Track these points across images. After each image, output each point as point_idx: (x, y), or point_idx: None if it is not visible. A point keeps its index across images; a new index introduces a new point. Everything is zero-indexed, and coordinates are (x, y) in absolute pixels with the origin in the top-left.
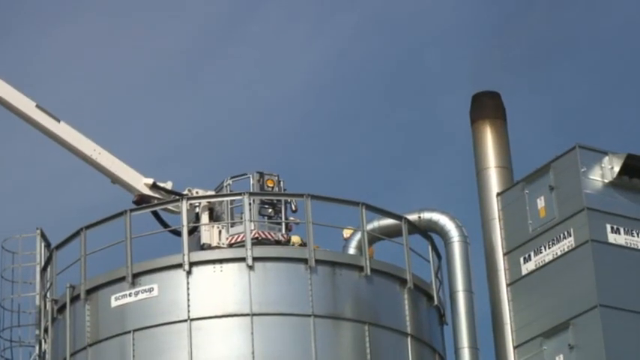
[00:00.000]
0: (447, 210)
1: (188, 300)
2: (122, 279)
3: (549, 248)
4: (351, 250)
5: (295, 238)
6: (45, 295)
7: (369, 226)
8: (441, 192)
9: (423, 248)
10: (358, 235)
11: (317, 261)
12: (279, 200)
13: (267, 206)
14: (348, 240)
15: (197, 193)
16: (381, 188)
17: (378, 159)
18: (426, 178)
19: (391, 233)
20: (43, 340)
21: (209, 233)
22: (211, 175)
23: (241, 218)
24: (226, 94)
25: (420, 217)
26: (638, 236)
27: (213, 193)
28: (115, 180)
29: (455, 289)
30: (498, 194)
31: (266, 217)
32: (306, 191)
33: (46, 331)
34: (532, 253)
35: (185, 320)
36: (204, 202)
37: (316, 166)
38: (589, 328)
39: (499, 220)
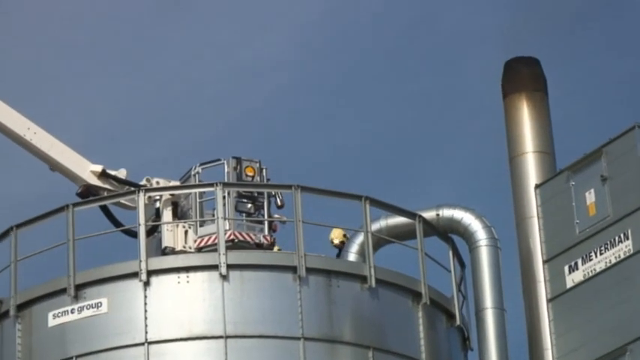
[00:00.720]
0: (472, 206)
1: (145, 318)
2: (62, 291)
3: (601, 255)
4: (351, 256)
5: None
6: None
7: (374, 227)
8: (465, 184)
9: (442, 254)
10: (360, 238)
11: (308, 269)
12: (261, 193)
13: (245, 200)
14: (344, 244)
15: (157, 183)
16: (388, 179)
17: (384, 142)
18: (446, 166)
19: (402, 235)
20: None
21: (172, 234)
22: (176, 161)
23: (213, 215)
24: (194, 59)
25: (438, 214)
26: None
27: (177, 183)
28: (55, 166)
29: (482, 306)
30: (537, 186)
31: (244, 215)
32: (294, 182)
33: None
34: (579, 261)
35: (142, 344)
36: (166, 194)
37: (307, 151)
38: None
39: (538, 219)
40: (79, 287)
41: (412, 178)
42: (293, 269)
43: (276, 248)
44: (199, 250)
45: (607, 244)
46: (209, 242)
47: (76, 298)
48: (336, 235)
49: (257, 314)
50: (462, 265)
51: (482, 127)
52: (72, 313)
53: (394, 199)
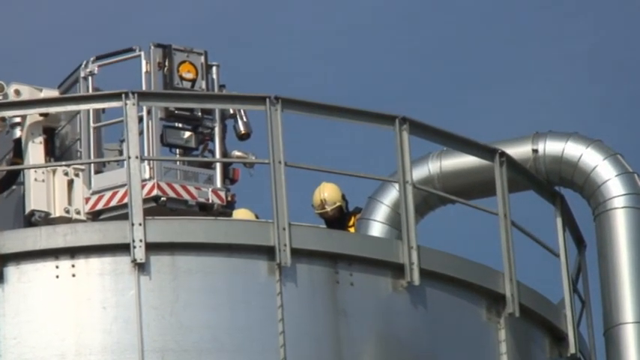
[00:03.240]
0: (599, 135)
1: None
2: None
3: None
4: (376, 228)
5: (241, 213)
6: None
7: (418, 173)
8: (586, 92)
9: (543, 224)
10: (393, 194)
11: (297, 252)
12: (209, 112)
13: (180, 125)
14: (344, 214)
15: (17, 94)
16: (444, 86)
17: (433, 16)
18: (549, 62)
19: (468, 189)
20: None
21: (45, 187)
22: (51, 52)
23: (120, 154)
24: None
25: (536, 150)
26: None
27: (55, 93)
28: None
29: (617, 320)
30: None
31: (178, 152)
32: (270, 91)
33: None
34: None
35: None
36: (34, 114)
37: (298, 35)
38: None
39: None
40: None
41: (486, 80)
42: (268, 252)
43: (242, 213)
44: (95, 216)
45: None
46: (112, 202)
47: None
48: (330, 197)
49: (202, 335)
50: (581, 244)
51: None
52: None
53: (454, 124)
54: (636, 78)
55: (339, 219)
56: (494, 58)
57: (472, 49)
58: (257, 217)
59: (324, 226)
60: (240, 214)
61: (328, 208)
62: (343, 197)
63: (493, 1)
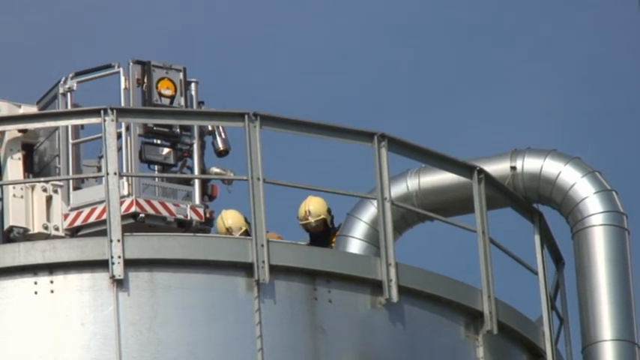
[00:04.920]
0: (578, 152)
1: None
2: None
3: None
4: (354, 245)
5: (231, 214)
6: None
7: (396, 190)
8: (564, 106)
9: (521, 241)
10: (371, 210)
11: (275, 269)
12: (187, 128)
13: (158, 142)
14: (328, 227)
15: None
16: (422, 102)
17: (410, 39)
18: (532, 73)
19: (447, 206)
20: None
21: (24, 203)
22: (30, 70)
23: (98, 170)
24: None
25: (514, 167)
26: None
27: (33, 110)
28: None
29: (594, 337)
30: None
31: (156, 169)
32: (249, 107)
33: None
34: None
35: None
36: (12, 130)
37: (270, 51)
38: None
39: None
40: None
41: (467, 95)
42: (247, 269)
43: (230, 213)
44: (73, 232)
45: None
46: (91, 219)
47: None
48: (314, 209)
49: (180, 351)
50: (560, 261)
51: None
52: None
53: (433, 140)
54: (615, 94)
55: (323, 232)
56: (475, 71)
57: (452, 62)
58: (246, 219)
59: (304, 242)
60: (229, 215)
61: (311, 220)
62: (329, 212)
63: (477, 13)
